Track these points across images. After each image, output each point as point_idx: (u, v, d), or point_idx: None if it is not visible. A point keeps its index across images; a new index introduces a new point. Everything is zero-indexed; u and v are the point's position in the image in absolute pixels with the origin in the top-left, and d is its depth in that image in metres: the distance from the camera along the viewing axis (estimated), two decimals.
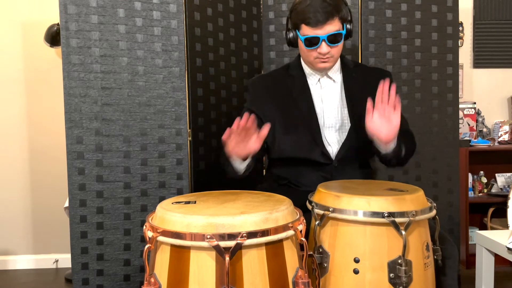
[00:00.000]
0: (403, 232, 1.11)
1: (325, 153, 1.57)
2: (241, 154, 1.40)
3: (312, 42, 1.51)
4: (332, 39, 1.50)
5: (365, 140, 1.57)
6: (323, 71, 1.62)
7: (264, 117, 1.63)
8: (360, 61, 2.06)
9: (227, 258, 0.93)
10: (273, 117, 1.62)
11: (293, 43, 1.60)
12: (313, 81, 1.65)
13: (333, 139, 1.60)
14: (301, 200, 1.32)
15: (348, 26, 1.55)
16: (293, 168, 1.62)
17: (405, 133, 1.55)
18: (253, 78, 1.77)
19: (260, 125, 1.62)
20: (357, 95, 1.61)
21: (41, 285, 2.71)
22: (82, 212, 1.76)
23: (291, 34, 1.58)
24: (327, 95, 1.64)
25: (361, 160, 1.62)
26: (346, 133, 1.59)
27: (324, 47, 1.51)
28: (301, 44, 1.55)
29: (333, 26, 1.49)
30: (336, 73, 1.65)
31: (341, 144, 1.58)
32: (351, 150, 1.57)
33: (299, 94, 1.63)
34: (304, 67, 1.66)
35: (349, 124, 1.60)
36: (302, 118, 1.61)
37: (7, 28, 2.90)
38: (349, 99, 1.62)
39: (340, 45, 1.55)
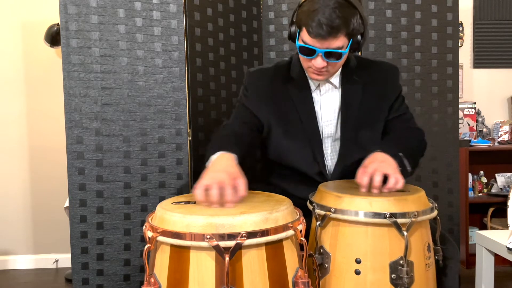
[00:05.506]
0: (405, 233, 1.11)
1: (322, 173, 1.47)
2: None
3: (307, 52, 1.33)
4: (331, 55, 1.32)
5: (361, 154, 1.40)
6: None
7: (260, 116, 1.51)
8: None
9: (227, 258, 0.93)
10: (269, 119, 1.50)
11: (292, 38, 1.41)
12: (313, 86, 1.50)
13: (329, 150, 1.50)
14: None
15: (358, 37, 1.34)
16: (289, 177, 1.52)
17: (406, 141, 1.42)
18: (251, 70, 1.59)
19: (255, 123, 1.49)
20: (356, 103, 1.49)
21: (41, 285, 2.71)
22: (82, 212, 1.76)
23: (293, 28, 1.39)
24: (326, 102, 1.50)
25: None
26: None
27: (319, 60, 1.33)
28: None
29: (336, 42, 1.29)
30: (337, 77, 1.49)
31: (336, 157, 1.49)
32: (347, 165, 1.46)
33: (300, 102, 1.49)
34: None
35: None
36: (302, 129, 1.48)
37: (7, 28, 2.89)
38: (345, 107, 1.48)
39: (339, 62, 1.37)
